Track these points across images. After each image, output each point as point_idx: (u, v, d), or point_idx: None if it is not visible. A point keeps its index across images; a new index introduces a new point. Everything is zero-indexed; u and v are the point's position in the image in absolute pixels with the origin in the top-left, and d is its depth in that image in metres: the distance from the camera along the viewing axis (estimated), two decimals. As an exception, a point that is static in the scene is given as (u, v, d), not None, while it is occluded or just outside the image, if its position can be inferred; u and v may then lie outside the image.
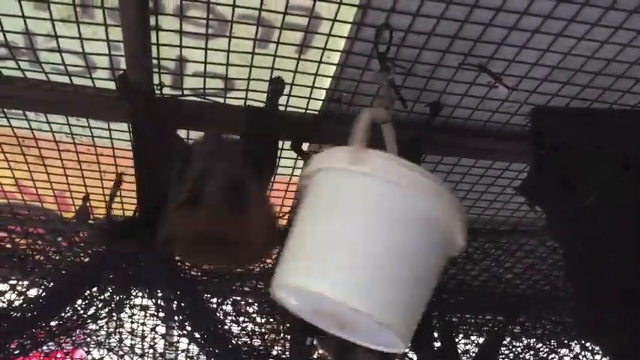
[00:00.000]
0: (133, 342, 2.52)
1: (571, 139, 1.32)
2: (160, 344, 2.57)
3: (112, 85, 1.47)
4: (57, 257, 2.17)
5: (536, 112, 1.36)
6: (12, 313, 2.00)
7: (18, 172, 1.86)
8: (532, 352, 2.53)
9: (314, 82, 1.49)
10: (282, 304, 1.01)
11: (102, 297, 2.17)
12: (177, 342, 2.51)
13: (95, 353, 2.57)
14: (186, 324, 2.16)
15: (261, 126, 1.44)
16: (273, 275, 0.96)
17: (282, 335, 2.35)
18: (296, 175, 1.89)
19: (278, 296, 0.98)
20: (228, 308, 2.27)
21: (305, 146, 1.71)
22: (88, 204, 1.98)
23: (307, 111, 1.59)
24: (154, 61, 1.39)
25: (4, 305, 2.10)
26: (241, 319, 2.28)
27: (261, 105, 1.50)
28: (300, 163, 1.80)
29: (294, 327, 2.09)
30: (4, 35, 1.31)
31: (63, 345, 2.47)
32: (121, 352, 2.54)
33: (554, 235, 1.35)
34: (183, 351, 2.56)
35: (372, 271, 0.89)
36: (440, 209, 0.92)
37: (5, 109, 1.58)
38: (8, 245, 2.15)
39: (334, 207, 0.94)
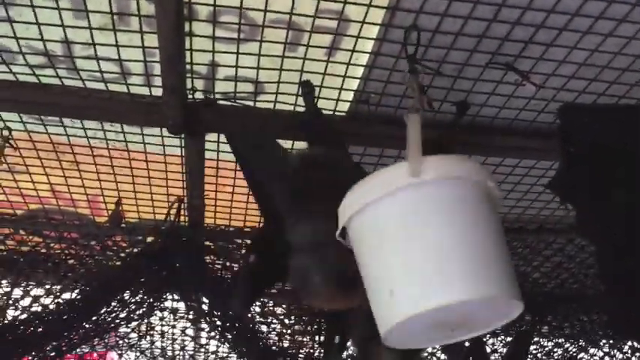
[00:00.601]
0: (164, 344, 2.56)
1: (600, 135, 1.32)
2: (190, 346, 2.60)
3: (146, 91, 1.52)
4: (90, 261, 2.22)
5: (564, 109, 1.37)
6: (47, 316, 2.04)
7: (53, 178, 1.91)
8: (561, 351, 2.52)
9: (342, 84, 1.52)
10: (398, 347, 1.08)
11: (134, 300, 2.21)
12: (207, 344, 2.55)
13: (126, 356, 2.62)
14: (217, 325, 2.19)
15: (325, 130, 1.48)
16: (378, 326, 1.01)
17: (310, 336, 2.37)
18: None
19: (394, 339, 1.04)
20: (257, 309, 2.29)
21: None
22: (120, 208, 2.03)
23: (335, 112, 1.62)
24: (187, 66, 1.43)
25: (40, 309, 2.14)
26: (269, 319, 2.31)
27: (299, 109, 1.54)
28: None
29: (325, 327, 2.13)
30: (44, 44, 1.35)
31: (96, 347, 2.52)
32: (152, 355, 2.59)
33: (585, 231, 1.36)
34: (213, 353, 2.60)
35: (481, 259, 0.96)
36: (487, 178, 1.05)
37: (42, 116, 1.63)
38: (43, 250, 2.20)
39: (413, 225, 0.99)
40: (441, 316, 0.99)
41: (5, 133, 1.68)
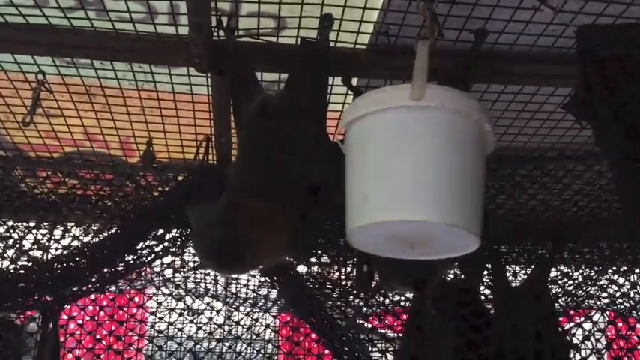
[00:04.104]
0: (197, 279, 2.68)
1: (618, 53, 1.34)
2: (222, 280, 2.73)
3: (172, 30, 1.57)
4: (124, 201, 2.32)
5: (582, 29, 1.39)
6: (88, 251, 2.16)
7: (86, 120, 1.99)
8: (581, 277, 2.59)
9: (362, 16, 1.55)
10: (357, 247, 1.18)
11: (168, 237, 2.31)
12: (238, 277, 2.66)
13: (162, 290, 2.76)
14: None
15: (313, 58, 1.52)
16: (347, 224, 1.11)
17: (340, 264, 2.47)
18: (346, 111, 1.96)
19: (355, 239, 1.14)
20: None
21: (354, 80, 1.78)
22: (151, 148, 2.11)
23: (356, 45, 1.65)
24: (212, 5, 1.47)
25: (80, 245, 2.26)
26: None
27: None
28: (351, 98, 1.88)
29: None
30: (74, -14, 1.40)
31: (134, 284, 2.65)
32: (186, 288, 2.72)
33: (603, 149, 1.40)
34: (244, 285, 2.72)
35: (452, 191, 1.05)
36: (486, 120, 1.11)
37: (74, 59, 1.70)
38: (79, 192, 2.30)
39: (404, 142, 1.06)
40: (404, 231, 1.10)
41: (40, 77, 1.75)
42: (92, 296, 2.70)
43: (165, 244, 2.35)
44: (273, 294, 2.77)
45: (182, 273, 2.62)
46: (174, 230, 2.31)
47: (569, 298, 2.64)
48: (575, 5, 1.49)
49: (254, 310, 2.88)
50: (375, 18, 1.58)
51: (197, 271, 2.62)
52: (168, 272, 2.61)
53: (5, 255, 2.18)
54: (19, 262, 2.20)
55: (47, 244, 2.30)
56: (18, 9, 1.50)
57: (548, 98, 1.88)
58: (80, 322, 2.66)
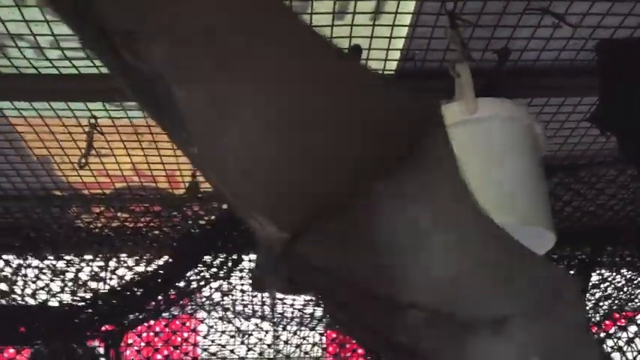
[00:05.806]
0: (245, 302, 2.77)
1: (637, 66, 1.40)
2: (269, 302, 2.82)
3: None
4: (173, 231, 2.44)
5: (601, 44, 1.45)
6: (143, 281, 2.28)
7: (135, 158, 2.12)
8: (623, 280, 2.60)
9: (389, 45, 1.64)
10: None
11: (215, 262, 2.42)
12: (284, 297, 2.75)
13: (213, 314, 2.86)
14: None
15: None
16: None
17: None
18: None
19: None
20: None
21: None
22: (196, 180, 2.22)
23: (384, 72, 1.74)
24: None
25: (134, 276, 2.39)
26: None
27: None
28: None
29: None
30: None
31: (186, 309, 2.77)
32: (234, 311, 2.81)
33: (628, 158, 1.45)
34: (290, 305, 2.80)
35: (522, 192, 1.09)
36: (536, 124, 1.23)
37: (123, 103, 1.83)
38: (130, 225, 2.43)
39: (467, 155, 1.14)
40: None
41: (92, 121, 1.89)
42: (146, 323, 2.82)
43: (214, 269, 2.46)
44: (319, 312, 2.84)
45: (230, 296, 2.72)
46: (222, 256, 2.42)
47: (612, 302, 2.64)
48: (593, 20, 1.56)
49: (301, 328, 2.95)
50: (401, 45, 1.67)
51: (245, 294, 2.71)
52: (217, 296, 2.72)
53: (65, 288, 2.32)
54: (79, 295, 2.33)
55: (104, 275, 2.43)
56: (71, 62, 1.64)
57: (574, 108, 1.93)
58: (137, 348, 2.79)
